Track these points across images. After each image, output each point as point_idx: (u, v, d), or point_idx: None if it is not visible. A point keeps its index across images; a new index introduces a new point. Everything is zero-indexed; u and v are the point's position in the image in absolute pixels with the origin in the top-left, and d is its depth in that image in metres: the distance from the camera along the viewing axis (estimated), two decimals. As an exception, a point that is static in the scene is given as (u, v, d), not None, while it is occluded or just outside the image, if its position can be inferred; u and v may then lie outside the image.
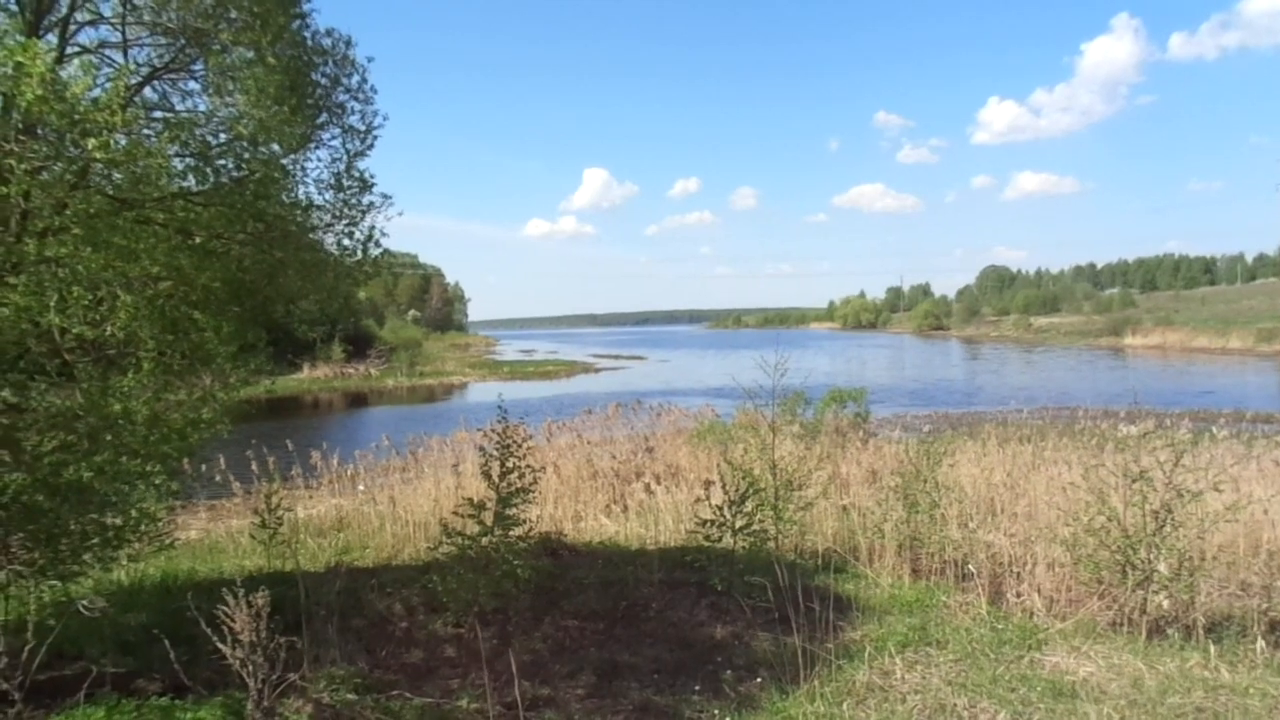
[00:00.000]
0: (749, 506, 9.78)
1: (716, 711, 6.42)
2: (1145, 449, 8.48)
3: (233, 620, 2.88)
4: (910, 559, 10.36)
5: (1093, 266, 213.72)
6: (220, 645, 2.91)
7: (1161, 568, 7.96)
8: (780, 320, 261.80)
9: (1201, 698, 6.32)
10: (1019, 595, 8.95)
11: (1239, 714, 6.09)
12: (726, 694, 6.86)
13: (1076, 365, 68.33)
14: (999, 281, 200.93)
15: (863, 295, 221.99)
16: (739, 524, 9.61)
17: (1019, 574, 9.46)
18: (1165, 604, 8.01)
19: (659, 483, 14.73)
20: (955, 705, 6.29)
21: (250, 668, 2.91)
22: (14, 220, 4.88)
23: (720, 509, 9.73)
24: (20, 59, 4.36)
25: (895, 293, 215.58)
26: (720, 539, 9.62)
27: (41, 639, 3.19)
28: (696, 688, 7.01)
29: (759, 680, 7.05)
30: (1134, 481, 8.16)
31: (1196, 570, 8.16)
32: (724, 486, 9.95)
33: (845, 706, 6.35)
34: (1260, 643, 7.18)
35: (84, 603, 7.00)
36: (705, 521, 9.75)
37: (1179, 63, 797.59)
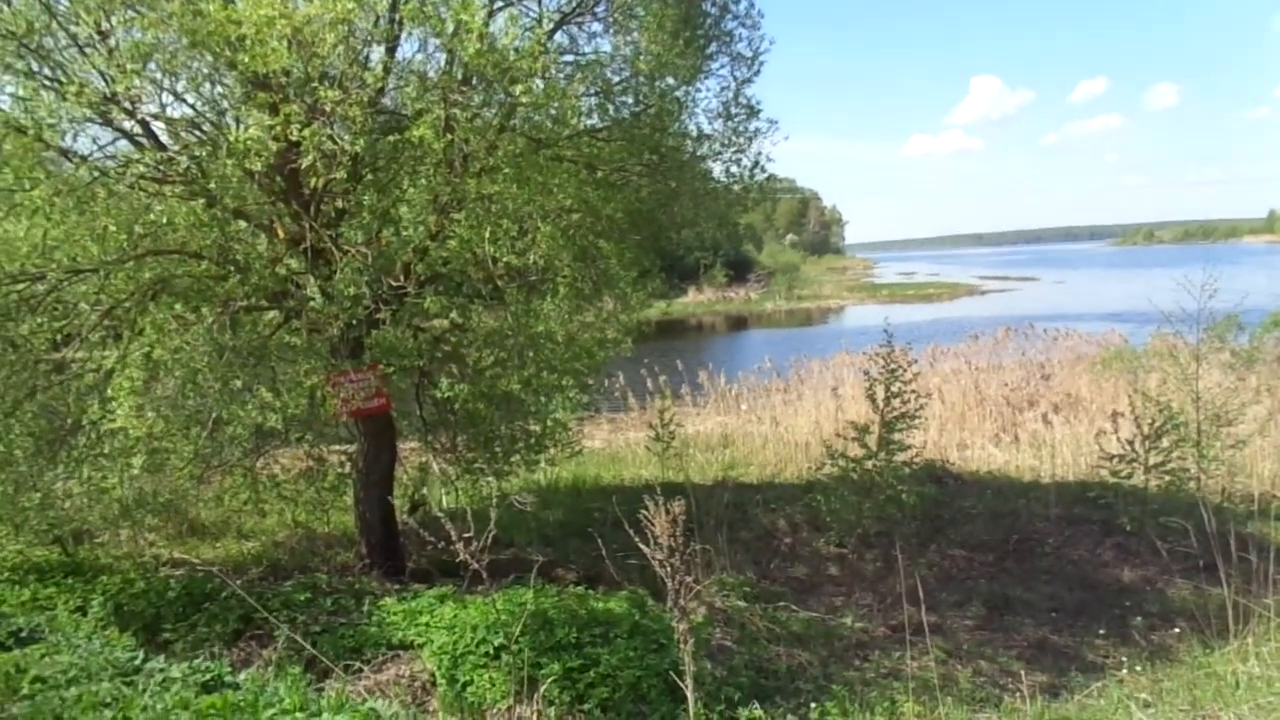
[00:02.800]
0: (1165, 442, 8.91)
1: (1125, 658, 5.95)
2: None
3: (653, 524, 3.16)
4: (1382, 512, 8.76)
5: None
6: (642, 546, 3.22)
7: None
8: (1204, 234, 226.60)
9: None
10: None
11: None
12: (1136, 641, 6.36)
13: None
14: None
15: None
16: (1153, 460, 8.81)
17: None
18: None
19: (1056, 412, 13.69)
20: None
21: (669, 569, 3.19)
22: (458, 162, 5.58)
23: (1130, 443, 9.00)
24: (462, 17, 4.93)
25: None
26: (1129, 475, 8.92)
27: (485, 527, 3.77)
28: (1101, 631, 6.56)
29: (1176, 630, 6.43)
30: None
31: None
32: (1135, 419, 9.12)
33: (1287, 673, 5.54)
34: None
35: (516, 498, 8.06)
36: (1111, 456, 9.11)
37: None
